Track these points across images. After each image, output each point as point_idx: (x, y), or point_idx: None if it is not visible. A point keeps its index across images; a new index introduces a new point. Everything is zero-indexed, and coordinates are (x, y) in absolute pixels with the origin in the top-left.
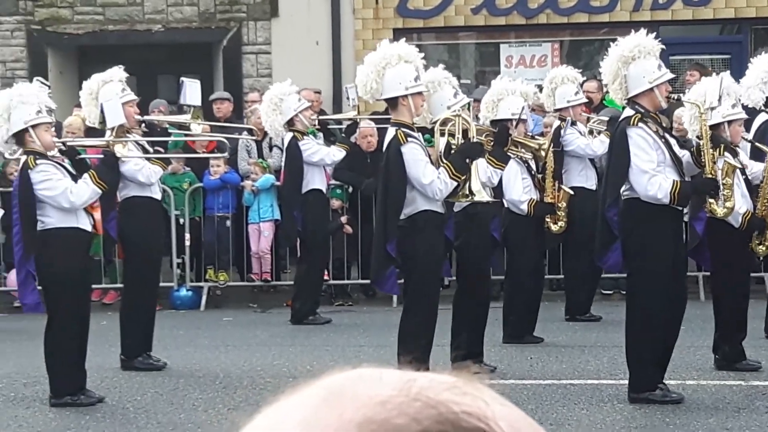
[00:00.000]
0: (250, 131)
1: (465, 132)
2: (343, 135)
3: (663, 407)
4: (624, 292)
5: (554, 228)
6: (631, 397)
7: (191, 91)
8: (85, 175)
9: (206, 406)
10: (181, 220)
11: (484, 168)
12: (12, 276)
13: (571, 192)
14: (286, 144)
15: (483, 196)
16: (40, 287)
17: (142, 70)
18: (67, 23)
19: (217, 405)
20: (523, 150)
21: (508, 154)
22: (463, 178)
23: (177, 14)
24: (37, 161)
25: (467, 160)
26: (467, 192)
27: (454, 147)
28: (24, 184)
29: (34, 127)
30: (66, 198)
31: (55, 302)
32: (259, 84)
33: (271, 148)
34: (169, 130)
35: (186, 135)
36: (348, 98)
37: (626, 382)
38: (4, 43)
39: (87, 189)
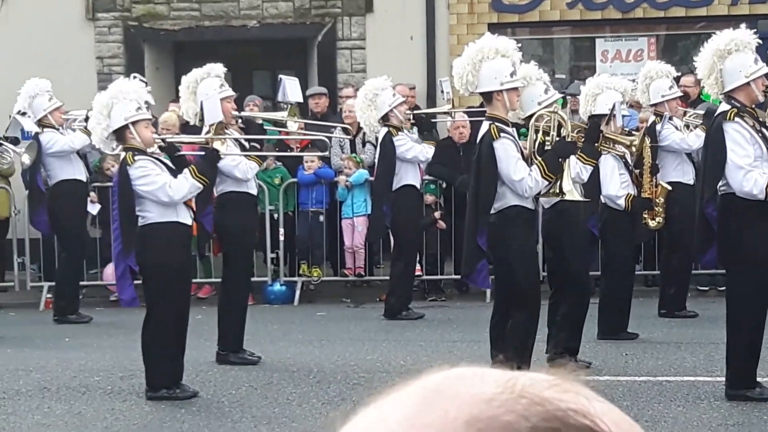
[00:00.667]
0: (346, 130)
1: (559, 129)
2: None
3: (760, 405)
4: (720, 289)
5: (652, 224)
6: (728, 395)
7: (291, 88)
8: (185, 170)
9: (300, 401)
10: (275, 216)
11: (574, 164)
12: (109, 270)
13: (669, 187)
14: (380, 139)
15: (574, 194)
16: (138, 281)
17: (237, 66)
18: (164, 19)
19: (311, 399)
20: (616, 146)
21: (600, 150)
22: (554, 177)
23: (272, 10)
24: (136, 157)
25: (560, 160)
26: (558, 190)
27: (548, 144)
28: (123, 180)
29: (134, 123)
30: (165, 192)
31: (154, 296)
32: (353, 79)
33: (364, 143)
34: (265, 127)
35: (281, 132)
36: (442, 92)
37: (723, 379)
38: (102, 39)
39: (186, 184)
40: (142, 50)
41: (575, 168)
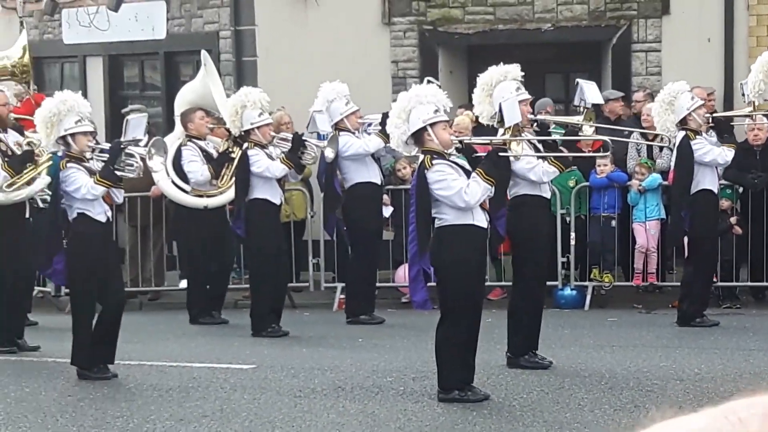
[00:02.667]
0: (645, 136)
1: None
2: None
3: None
4: None
5: None
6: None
7: (589, 90)
8: (473, 173)
9: (592, 406)
10: (567, 219)
11: None
12: (400, 272)
13: None
14: (677, 143)
15: None
16: (431, 284)
17: (529, 69)
18: (458, 23)
19: (603, 405)
20: None
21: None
22: None
23: (567, 13)
24: (434, 161)
25: None
26: None
27: None
28: (421, 183)
29: (432, 125)
30: (461, 198)
31: (449, 298)
32: (648, 82)
33: (661, 148)
34: (552, 130)
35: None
36: (743, 94)
37: None
38: (397, 43)
39: (479, 188)
40: (436, 54)
41: None
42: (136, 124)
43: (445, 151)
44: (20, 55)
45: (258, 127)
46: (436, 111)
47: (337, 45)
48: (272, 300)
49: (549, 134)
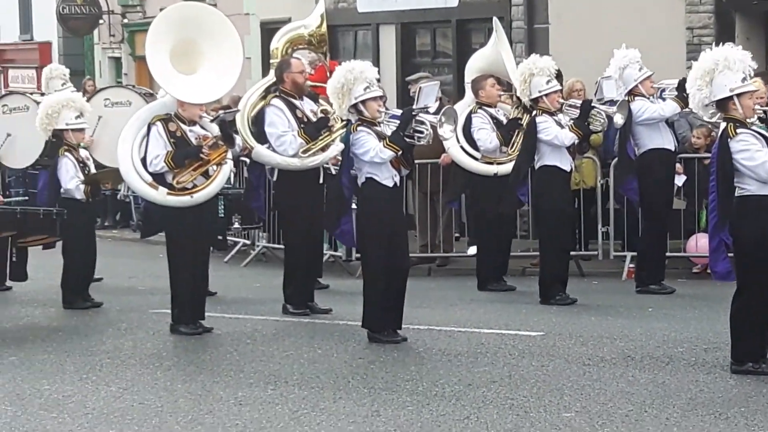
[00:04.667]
0: None
1: None
2: None
3: None
4: None
5: None
6: None
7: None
8: None
9: None
10: None
11: None
12: (692, 242)
13: None
14: None
15: None
16: (731, 255)
17: None
18: None
19: None
20: None
21: None
22: None
23: None
24: (738, 130)
25: None
26: None
27: None
28: (723, 152)
29: (738, 95)
30: (765, 169)
31: (748, 270)
32: None
33: None
34: None
35: None
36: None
37: None
38: (692, 9)
39: None
40: (733, 20)
41: None
42: (428, 91)
43: (747, 120)
44: (318, 24)
45: (546, 95)
46: (744, 79)
47: (630, 11)
48: (559, 268)
49: None
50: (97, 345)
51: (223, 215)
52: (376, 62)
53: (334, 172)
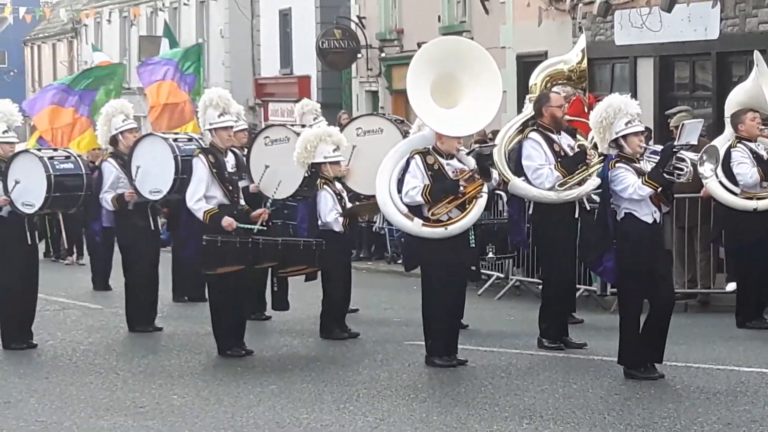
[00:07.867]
0: None
1: None
2: None
3: None
4: None
5: None
6: None
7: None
8: None
9: None
10: None
11: None
12: None
13: None
14: None
15: None
16: None
17: None
18: None
19: None
20: None
21: None
22: None
23: None
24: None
25: None
26: None
27: None
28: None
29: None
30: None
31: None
32: None
33: None
34: None
35: None
36: None
37: None
38: None
39: None
40: None
41: None
42: (691, 129)
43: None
44: (579, 59)
45: None
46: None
47: None
48: None
49: None
50: (353, 375)
51: (473, 245)
52: (634, 95)
53: (588, 207)
